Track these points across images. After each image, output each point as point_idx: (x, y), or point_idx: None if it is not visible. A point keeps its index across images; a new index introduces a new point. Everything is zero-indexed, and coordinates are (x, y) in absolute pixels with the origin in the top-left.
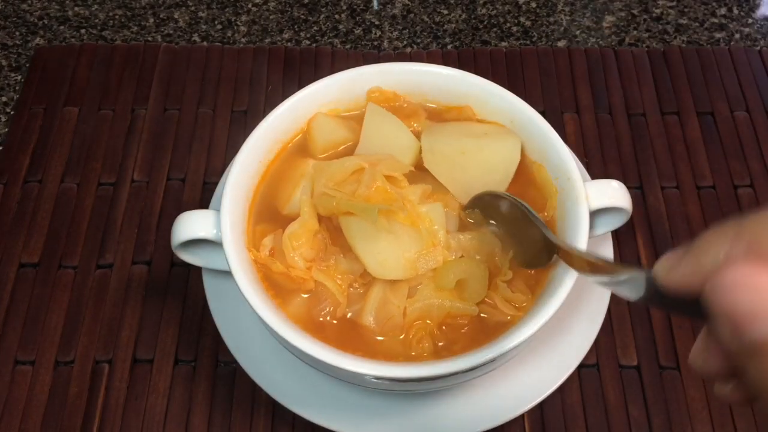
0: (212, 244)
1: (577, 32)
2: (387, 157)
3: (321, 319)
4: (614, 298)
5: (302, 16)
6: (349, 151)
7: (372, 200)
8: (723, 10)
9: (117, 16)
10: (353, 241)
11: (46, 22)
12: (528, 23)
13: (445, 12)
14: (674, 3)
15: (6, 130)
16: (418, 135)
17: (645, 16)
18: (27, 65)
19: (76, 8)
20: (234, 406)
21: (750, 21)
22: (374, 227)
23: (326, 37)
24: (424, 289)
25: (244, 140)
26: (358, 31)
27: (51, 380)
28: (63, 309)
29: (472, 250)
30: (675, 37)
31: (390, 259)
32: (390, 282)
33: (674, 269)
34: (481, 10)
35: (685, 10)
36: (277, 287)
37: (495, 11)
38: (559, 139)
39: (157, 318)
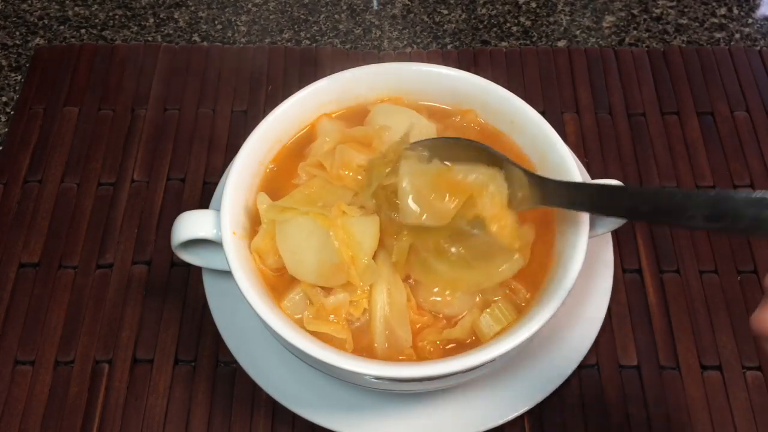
0: (212, 244)
1: (577, 32)
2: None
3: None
4: (614, 298)
5: (302, 16)
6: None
7: (343, 180)
8: (723, 10)
9: (117, 16)
10: (280, 238)
11: (46, 22)
12: (528, 23)
13: (445, 12)
14: (674, 3)
15: (6, 130)
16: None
17: (645, 16)
18: (27, 65)
19: (76, 8)
20: (234, 406)
21: (750, 21)
22: (301, 232)
23: (326, 37)
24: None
25: (244, 140)
26: (358, 31)
27: (51, 380)
28: (63, 309)
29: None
30: (675, 37)
31: (305, 262)
32: (391, 312)
33: None
34: (481, 10)
35: (685, 10)
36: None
37: (495, 11)
38: (559, 139)
39: (157, 318)
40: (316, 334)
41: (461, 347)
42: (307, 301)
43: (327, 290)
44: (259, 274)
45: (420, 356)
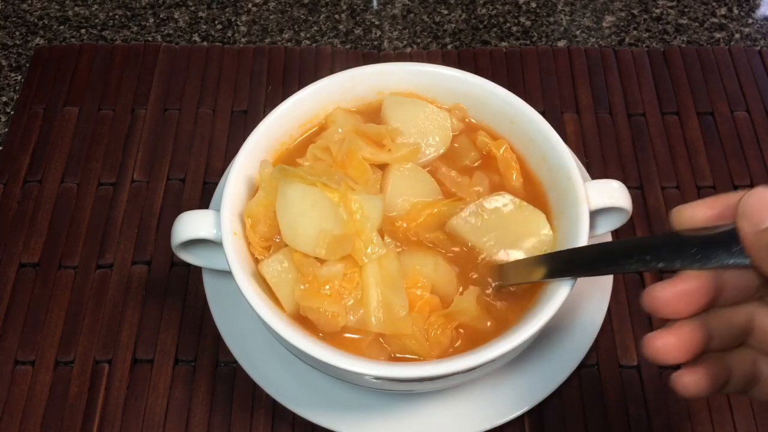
0: (212, 244)
1: (577, 32)
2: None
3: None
4: (614, 298)
5: (302, 16)
6: None
7: (348, 169)
8: (723, 10)
9: (117, 16)
10: (279, 205)
11: (46, 22)
12: (528, 23)
13: (445, 12)
14: (674, 3)
15: (6, 130)
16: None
17: (645, 16)
18: (27, 65)
19: (76, 8)
20: (234, 406)
21: (750, 21)
22: (305, 199)
23: (326, 37)
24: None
25: (244, 140)
26: (358, 31)
27: (51, 380)
28: (63, 309)
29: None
30: (675, 37)
31: (304, 231)
32: (384, 282)
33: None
34: (481, 10)
35: (685, 10)
36: None
37: (495, 11)
38: (559, 139)
39: (157, 318)
40: (309, 310)
41: (469, 331)
42: (297, 274)
43: (320, 262)
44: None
45: (433, 345)
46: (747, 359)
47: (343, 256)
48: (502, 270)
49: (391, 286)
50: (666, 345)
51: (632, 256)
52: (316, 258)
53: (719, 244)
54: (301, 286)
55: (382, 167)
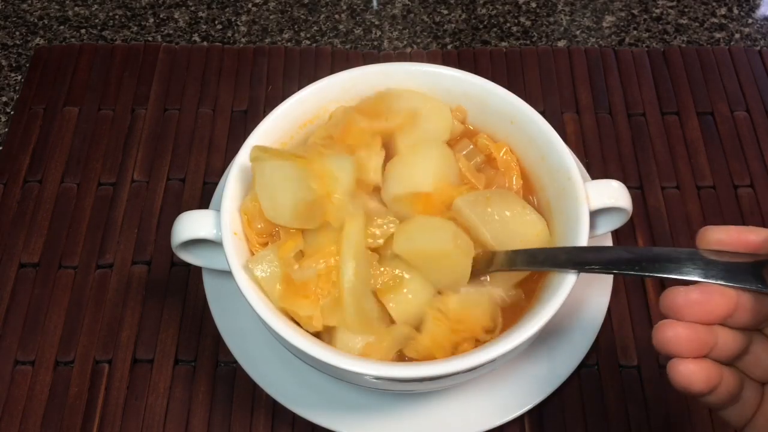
0: (212, 244)
1: (577, 32)
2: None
3: None
4: (614, 298)
5: (302, 16)
6: None
7: (347, 140)
8: (723, 10)
9: (117, 16)
10: (259, 183)
11: (46, 22)
12: (528, 23)
13: (445, 12)
14: (674, 3)
15: (6, 130)
16: None
17: (645, 16)
18: (27, 65)
19: (76, 8)
20: (234, 406)
21: (750, 21)
22: (278, 174)
23: (326, 37)
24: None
25: (244, 140)
26: (358, 31)
27: (51, 380)
28: (63, 309)
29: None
30: (675, 37)
31: (282, 204)
32: (357, 282)
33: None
34: (481, 10)
35: (685, 10)
36: None
37: (495, 11)
38: (559, 139)
39: (157, 318)
40: (289, 312)
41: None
42: (277, 270)
43: (297, 260)
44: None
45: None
46: (736, 376)
47: (322, 227)
48: (515, 255)
49: (363, 291)
50: (677, 336)
51: (658, 261)
52: (299, 250)
53: (745, 270)
54: (278, 286)
55: (389, 144)
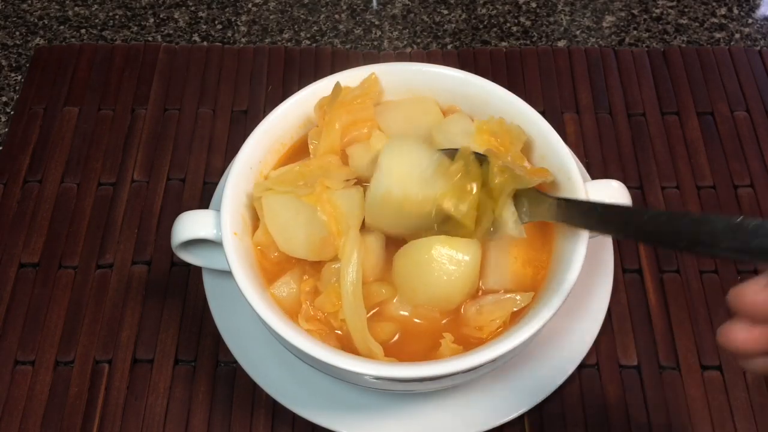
0: (212, 244)
1: (577, 32)
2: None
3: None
4: (614, 298)
5: (302, 16)
6: None
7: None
8: (723, 10)
9: (117, 16)
10: (269, 218)
11: (46, 22)
12: (528, 23)
13: (445, 12)
14: (674, 3)
15: (6, 130)
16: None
17: (645, 16)
18: (27, 65)
19: (76, 8)
20: (234, 406)
21: (750, 21)
22: (288, 209)
23: (326, 37)
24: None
25: (244, 140)
26: (358, 31)
27: (51, 380)
28: (63, 309)
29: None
30: (675, 37)
31: (295, 238)
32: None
33: None
34: (481, 10)
35: (685, 10)
36: None
37: (495, 11)
38: (560, 139)
39: (157, 318)
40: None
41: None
42: (297, 290)
43: (314, 294)
44: (260, 274)
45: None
46: None
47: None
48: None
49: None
50: (753, 336)
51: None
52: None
53: None
54: (303, 310)
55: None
